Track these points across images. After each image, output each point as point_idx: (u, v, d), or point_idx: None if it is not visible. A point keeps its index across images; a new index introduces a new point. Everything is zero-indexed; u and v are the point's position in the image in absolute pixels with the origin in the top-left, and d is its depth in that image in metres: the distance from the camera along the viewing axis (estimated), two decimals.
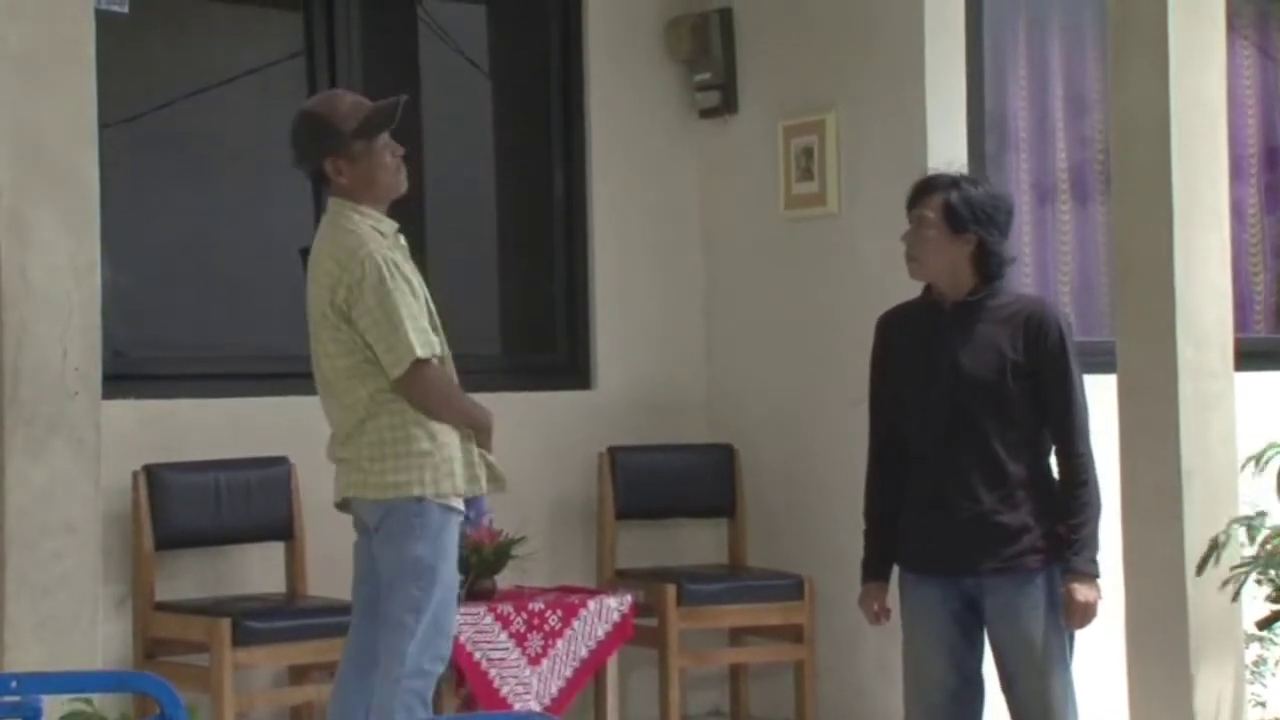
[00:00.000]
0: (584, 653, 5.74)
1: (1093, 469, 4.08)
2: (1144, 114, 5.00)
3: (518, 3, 6.72)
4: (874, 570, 4.27)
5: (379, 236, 4.48)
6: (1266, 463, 4.89)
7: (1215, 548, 4.71)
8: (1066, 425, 4.07)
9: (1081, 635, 4.15)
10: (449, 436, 4.47)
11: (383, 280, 4.39)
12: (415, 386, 4.42)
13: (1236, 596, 4.84)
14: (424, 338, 4.40)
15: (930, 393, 4.14)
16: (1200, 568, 4.76)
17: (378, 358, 4.40)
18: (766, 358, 6.50)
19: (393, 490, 4.40)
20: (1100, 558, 4.09)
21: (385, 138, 4.54)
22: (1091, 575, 4.03)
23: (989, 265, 4.12)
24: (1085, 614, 4.03)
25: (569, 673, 5.71)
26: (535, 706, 5.54)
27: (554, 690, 5.68)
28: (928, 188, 4.16)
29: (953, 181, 4.16)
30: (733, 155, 6.61)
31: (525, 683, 5.63)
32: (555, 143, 6.58)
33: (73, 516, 4.64)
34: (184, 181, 6.02)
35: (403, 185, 4.58)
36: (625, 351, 6.55)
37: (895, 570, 4.29)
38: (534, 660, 5.66)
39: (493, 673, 5.59)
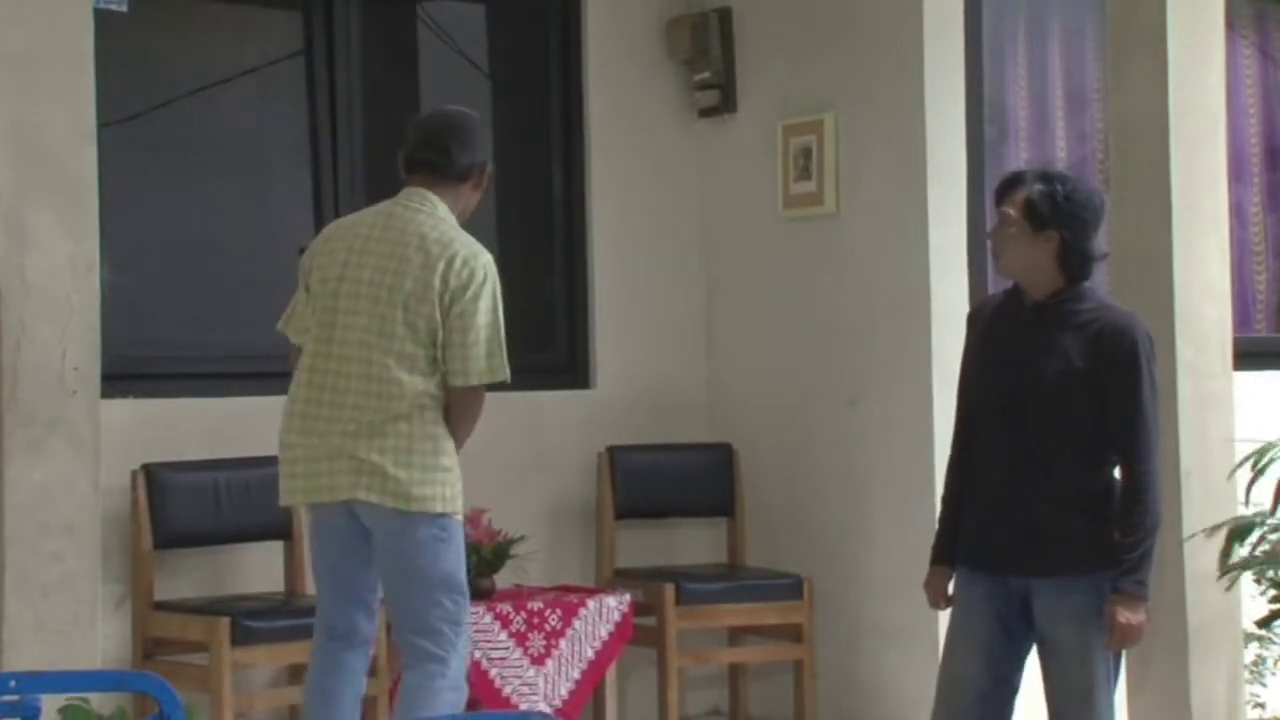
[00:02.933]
0: (590, 654, 5.74)
1: (1154, 489, 3.96)
2: (1143, 115, 5.00)
3: (517, 2, 6.71)
4: (940, 554, 4.20)
5: None
6: (1265, 466, 4.89)
7: (1233, 539, 4.70)
8: (1129, 442, 3.97)
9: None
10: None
11: (496, 293, 4.40)
12: (474, 404, 4.43)
13: (1230, 586, 4.84)
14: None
15: (996, 392, 4.08)
16: (1222, 564, 4.75)
17: (449, 359, 4.34)
18: (765, 357, 6.50)
19: (417, 504, 4.35)
20: (1151, 579, 3.98)
21: None
22: (1138, 598, 3.94)
23: (1073, 265, 4.02)
24: (1126, 635, 3.96)
25: (577, 674, 5.71)
26: (544, 708, 5.54)
27: (563, 693, 5.68)
28: (1013, 183, 4.07)
29: (1038, 177, 4.05)
30: (732, 155, 6.61)
31: (530, 683, 5.63)
32: (554, 142, 6.58)
33: (72, 516, 4.65)
34: (183, 181, 6.02)
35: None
36: (624, 351, 6.55)
37: None
38: (537, 660, 5.66)
39: (494, 672, 5.60)
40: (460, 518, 4.49)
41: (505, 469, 6.23)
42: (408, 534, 4.36)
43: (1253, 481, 4.88)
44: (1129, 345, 3.98)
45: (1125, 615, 3.93)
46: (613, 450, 6.32)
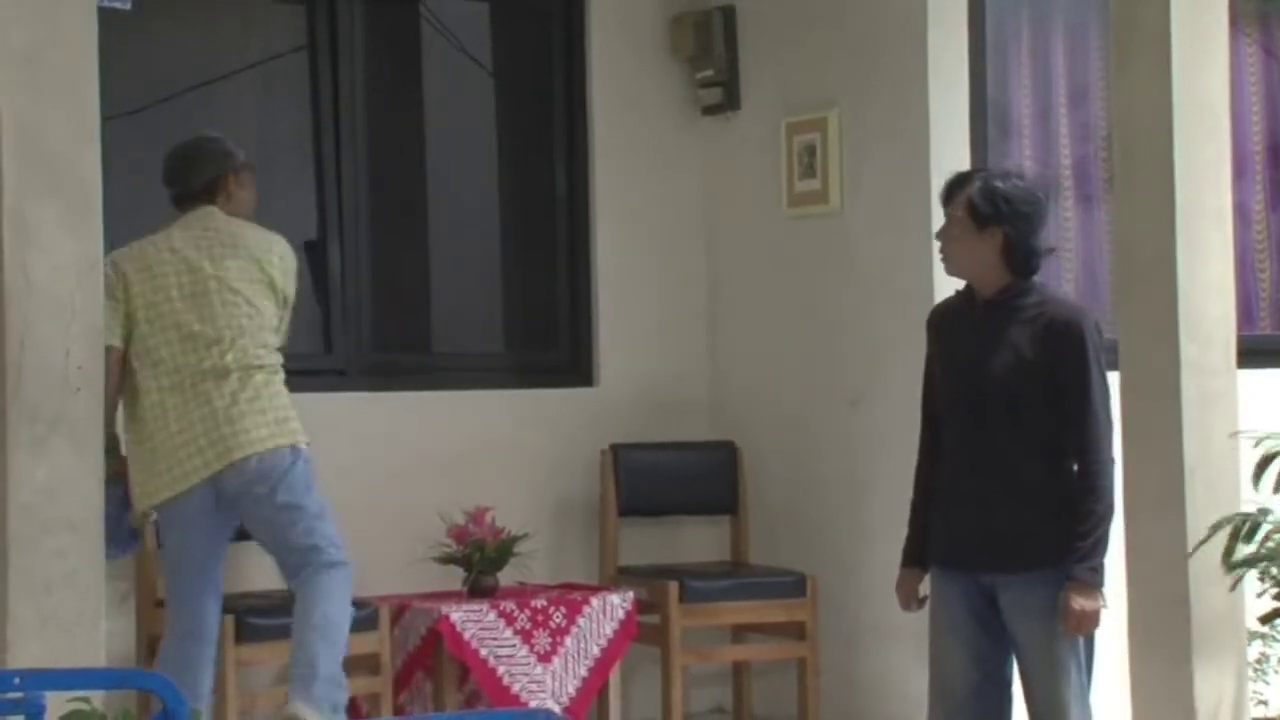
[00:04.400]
0: (596, 651, 5.74)
1: (1106, 477, 4.05)
2: (1146, 112, 4.99)
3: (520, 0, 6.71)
4: (910, 557, 4.27)
5: None
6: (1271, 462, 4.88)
7: (1235, 537, 4.70)
8: (1081, 432, 4.05)
9: (1096, 638, 4.14)
10: None
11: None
12: None
13: (1235, 587, 4.83)
14: None
15: (954, 390, 4.16)
16: (1226, 562, 4.76)
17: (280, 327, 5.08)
18: (769, 355, 6.49)
19: (301, 437, 4.97)
20: (1105, 565, 4.06)
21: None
22: (1091, 585, 4.01)
23: (1019, 261, 4.09)
24: (1081, 622, 4.01)
25: (584, 672, 5.71)
26: (554, 706, 5.53)
27: (570, 690, 5.68)
28: (958, 183, 4.15)
29: (980, 176, 4.15)
30: (735, 152, 6.60)
31: (538, 680, 5.63)
32: (558, 140, 6.58)
33: (75, 514, 4.63)
34: None
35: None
36: (627, 349, 6.54)
37: None
38: (544, 658, 5.66)
39: (501, 670, 5.59)
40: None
41: (508, 467, 6.22)
42: (299, 464, 4.92)
43: (1257, 477, 4.88)
44: (1077, 337, 4.06)
45: (1080, 602, 3.98)
46: (616, 448, 6.31)
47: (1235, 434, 4.93)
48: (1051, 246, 4.30)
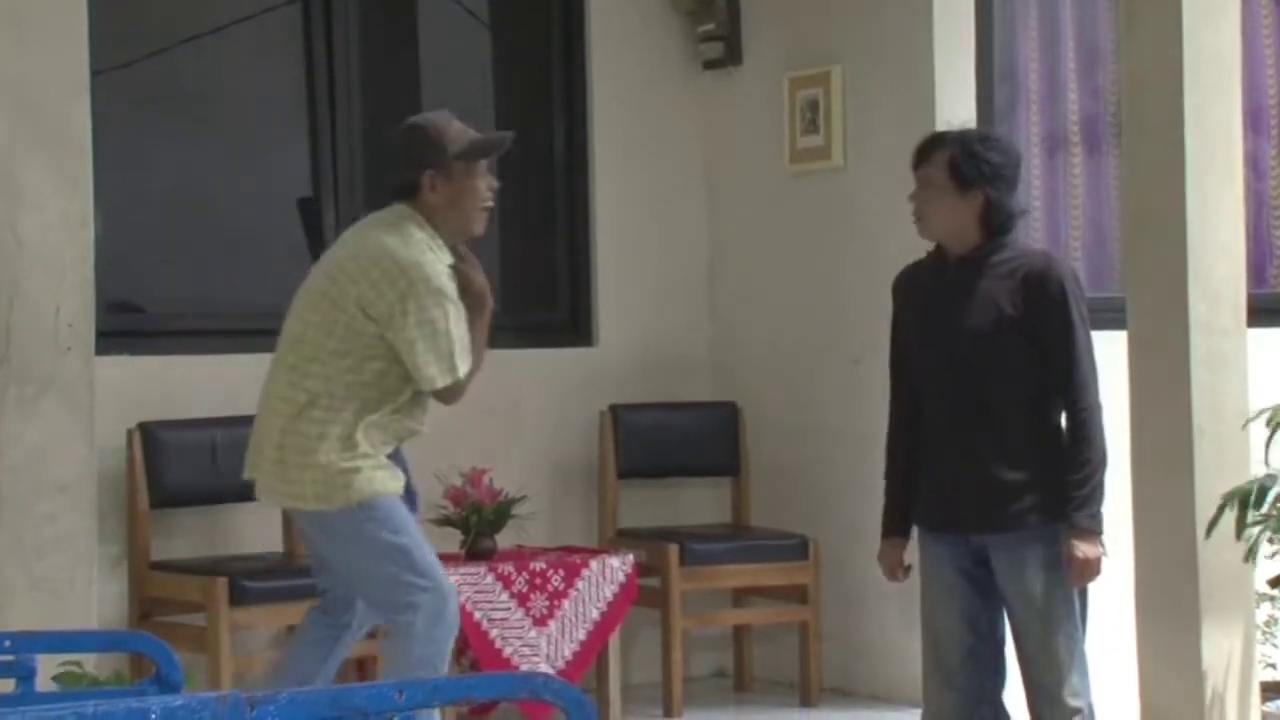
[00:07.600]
0: (594, 615, 5.68)
1: (1096, 424, 4.03)
2: (1156, 67, 4.92)
3: None
4: (890, 527, 4.26)
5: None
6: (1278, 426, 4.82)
7: (1244, 505, 4.64)
8: (1068, 380, 4.03)
9: (1091, 592, 4.11)
10: None
11: (425, 295, 4.40)
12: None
13: (1249, 557, 4.79)
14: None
15: (933, 351, 4.13)
16: (1209, 529, 4.71)
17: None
18: (771, 314, 6.43)
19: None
20: (1104, 513, 4.04)
21: (483, 166, 4.47)
22: (1093, 531, 3.99)
23: (997, 221, 4.07)
24: (1085, 571, 3.99)
25: (582, 635, 5.65)
26: (547, 669, 5.47)
27: (567, 654, 5.62)
28: (933, 145, 4.12)
29: (958, 138, 4.12)
30: (737, 108, 6.52)
31: (531, 644, 5.57)
32: (556, 95, 6.50)
33: (67, 476, 4.59)
34: (178, 132, 5.94)
35: (479, 226, 4.51)
36: (627, 308, 6.48)
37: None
38: (540, 622, 5.60)
39: (494, 633, 5.54)
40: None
41: (506, 428, 6.17)
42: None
43: (1270, 440, 4.82)
44: (1056, 287, 4.03)
45: (1082, 550, 3.97)
46: (615, 409, 6.25)
47: (1249, 419, 4.86)
48: (1024, 208, 4.26)
